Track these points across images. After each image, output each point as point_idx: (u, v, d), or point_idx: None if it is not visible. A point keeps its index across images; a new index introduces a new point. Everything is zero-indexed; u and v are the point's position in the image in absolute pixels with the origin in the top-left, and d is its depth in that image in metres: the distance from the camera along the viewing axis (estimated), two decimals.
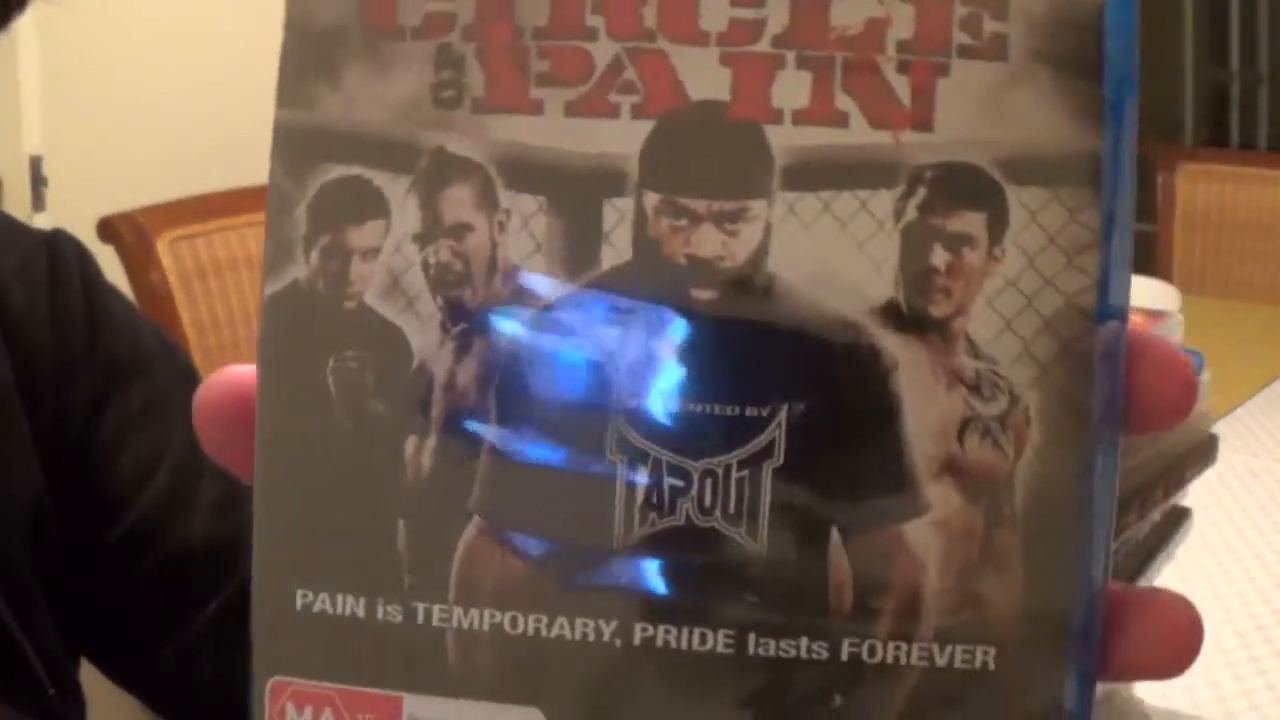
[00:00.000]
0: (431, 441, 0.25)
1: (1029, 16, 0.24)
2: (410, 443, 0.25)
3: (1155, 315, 0.64)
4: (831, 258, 0.24)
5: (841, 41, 0.24)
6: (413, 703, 0.25)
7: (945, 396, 0.24)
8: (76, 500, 0.60)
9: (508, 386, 0.25)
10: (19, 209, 1.96)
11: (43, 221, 1.96)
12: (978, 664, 0.24)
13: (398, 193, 0.25)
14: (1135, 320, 0.66)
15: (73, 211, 1.53)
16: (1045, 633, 0.24)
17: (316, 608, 0.25)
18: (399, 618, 0.25)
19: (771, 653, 0.24)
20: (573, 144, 0.25)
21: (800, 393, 0.24)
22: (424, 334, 0.25)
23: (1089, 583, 0.24)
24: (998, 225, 0.24)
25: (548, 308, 0.25)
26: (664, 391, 0.24)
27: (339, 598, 0.25)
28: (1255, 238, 2.16)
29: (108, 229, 1.56)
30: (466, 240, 0.25)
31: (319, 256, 0.25)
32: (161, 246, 1.56)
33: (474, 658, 0.25)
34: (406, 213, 0.25)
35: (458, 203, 0.25)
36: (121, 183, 1.82)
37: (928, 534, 0.24)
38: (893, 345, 0.24)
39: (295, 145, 0.25)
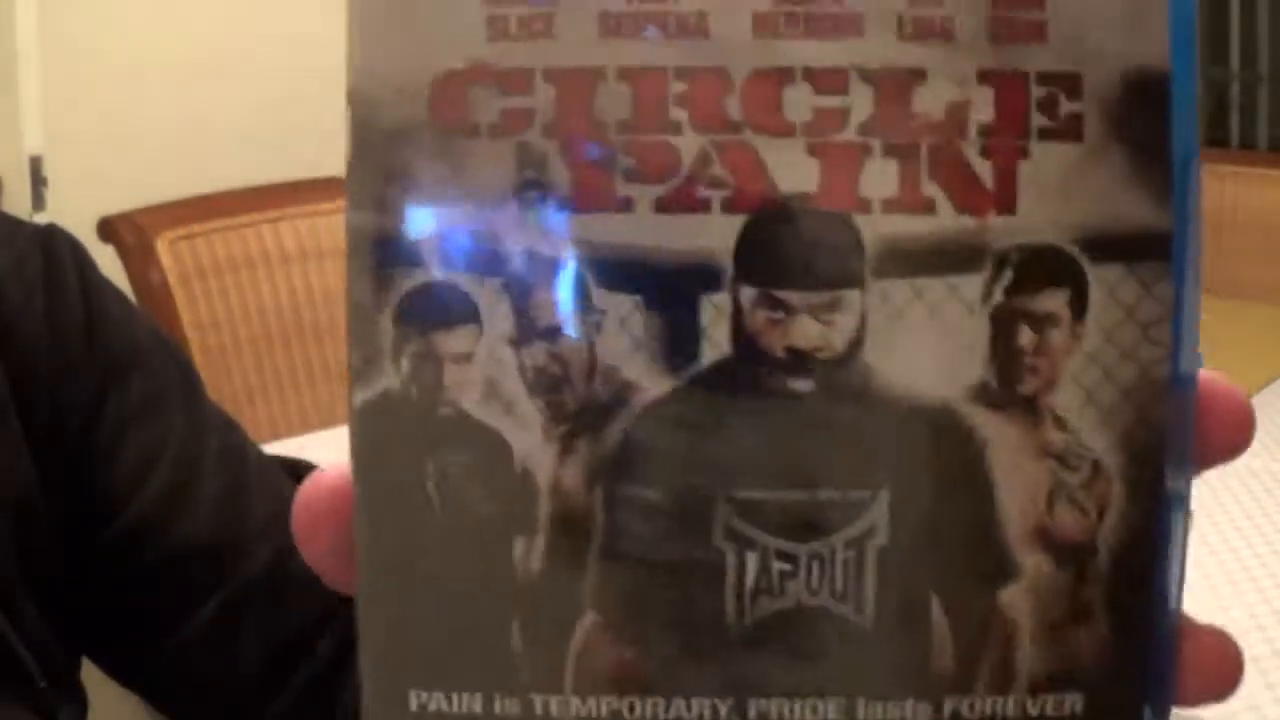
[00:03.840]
0: (540, 541, 0.25)
1: (1102, 96, 0.25)
2: (519, 544, 0.25)
3: None
4: (925, 343, 0.25)
5: (925, 128, 0.25)
6: None
7: (1034, 469, 0.25)
8: (75, 497, 0.60)
9: (614, 485, 0.25)
10: (19, 209, 1.96)
11: (42, 221, 1.96)
12: (1067, 710, 0.25)
13: (487, 297, 0.25)
14: None
15: (73, 211, 1.53)
16: (1127, 676, 0.26)
17: (432, 707, 0.25)
18: (517, 710, 0.25)
19: (880, 715, 0.25)
20: (664, 241, 0.25)
21: (900, 474, 0.25)
22: (526, 437, 0.25)
23: (1165, 627, 0.26)
24: (1079, 303, 0.25)
25: (651, 406, 0.25)
26: (768, 479, 0.25)
27: (455, 696, 0.25)
28: (1255, 238, 2.16)
29: (108, 229, 1.56)
30: (562, 343, 0.25)
31: (409, 364, 0.25)
32: (161, 246, 1.56)
33: None
34: (497, 317, 0.25)
35: (551, 305, 0.25)
36: (121, 183, 1.82)
37: (1021, 598, 0.25)
38: (984, 423, 0.25)
39: (372, 250, 0.25)
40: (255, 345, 1.60)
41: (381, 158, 0.25)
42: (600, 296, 0.25)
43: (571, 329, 0.25)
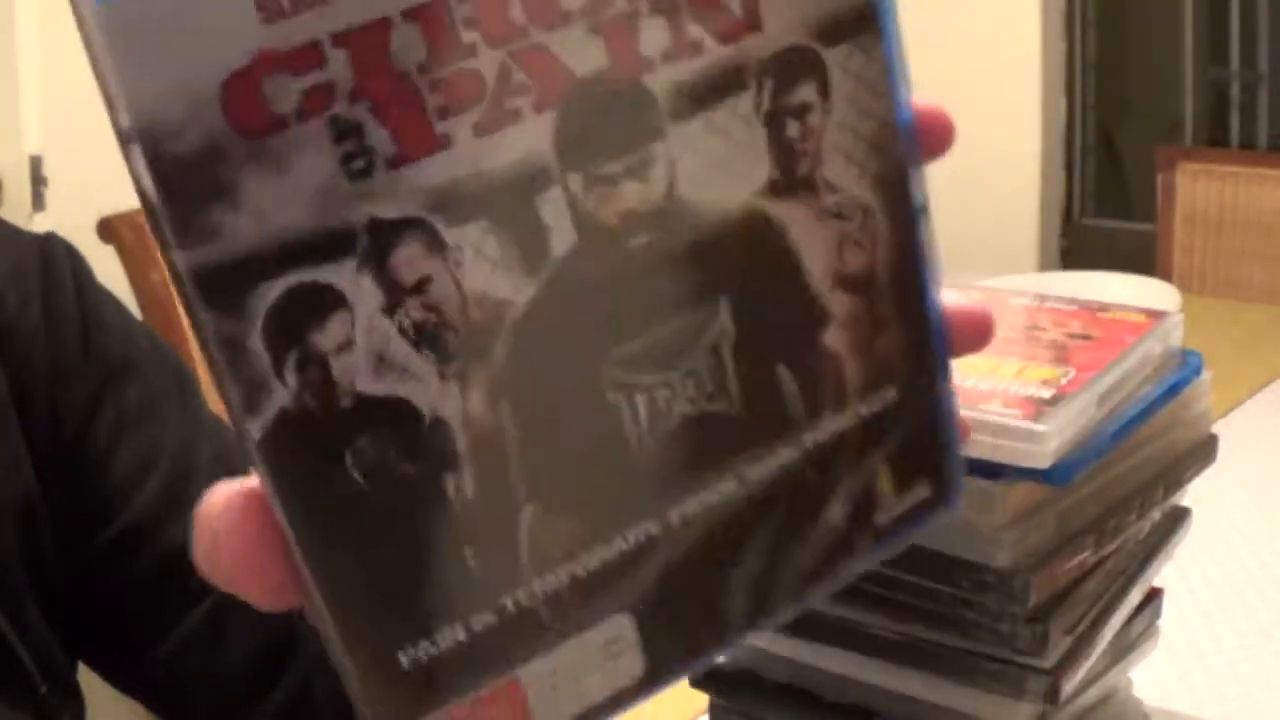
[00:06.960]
0: (466, 472, 0.27)
1: None
2: (449, 481, 0.27)
3: (1155, 315, 0.64)
4: (722, 163, 0.29)
5: None
6: (525, 673, 0.28)
7: (823, 231, 0.31)
8: (71, 501, 0.61)
9: (515, 394, 0.27)
10: (19, 209, 1.96)
11: (43, 221, 1.96)
12: (886, 402, 0.32)
13: (347, 278, 0.24)
14: (1136, 320, 0.66)
15: (73, 211, 1.53)
16: (921, 359, 0.32)
17: (423, 658, 0.27)
18: (494, 621, 0.27)
19: (761, 472, 0.30)
20: (491, 162, 0.26)
21: (731, 279, 0.29)
22: (425, 390, 0.26)
23: (936, 311, 0.33)
24: (824, 85, 0.30)
25: (523, 315, 0.27)
26: (633, 330, 0.28)
27: (438, 636, 0.27)
28: (1255, 238, 2.16)
29: (108, 229, 1.56)
30: (430, 291, 0.26)
31: (294, 376, 0.24)
32: None
33: (563, 607, 0.28)
34: (364, 293, 0.25)
35: (410, 261, 0.25)
36: (121, 183, 1.82)
37: (837, 334, 0.31)
38: (780, 211, 0.30)
39: (216, 282, 0.23)
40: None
41: (192, 186, 0.23)
42: (451, 234, 0.25)
43: (434, 274, 0.26)
